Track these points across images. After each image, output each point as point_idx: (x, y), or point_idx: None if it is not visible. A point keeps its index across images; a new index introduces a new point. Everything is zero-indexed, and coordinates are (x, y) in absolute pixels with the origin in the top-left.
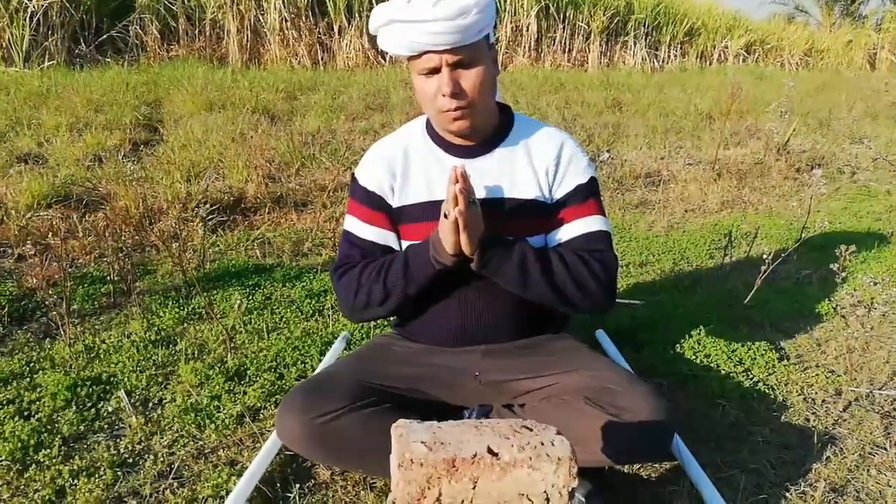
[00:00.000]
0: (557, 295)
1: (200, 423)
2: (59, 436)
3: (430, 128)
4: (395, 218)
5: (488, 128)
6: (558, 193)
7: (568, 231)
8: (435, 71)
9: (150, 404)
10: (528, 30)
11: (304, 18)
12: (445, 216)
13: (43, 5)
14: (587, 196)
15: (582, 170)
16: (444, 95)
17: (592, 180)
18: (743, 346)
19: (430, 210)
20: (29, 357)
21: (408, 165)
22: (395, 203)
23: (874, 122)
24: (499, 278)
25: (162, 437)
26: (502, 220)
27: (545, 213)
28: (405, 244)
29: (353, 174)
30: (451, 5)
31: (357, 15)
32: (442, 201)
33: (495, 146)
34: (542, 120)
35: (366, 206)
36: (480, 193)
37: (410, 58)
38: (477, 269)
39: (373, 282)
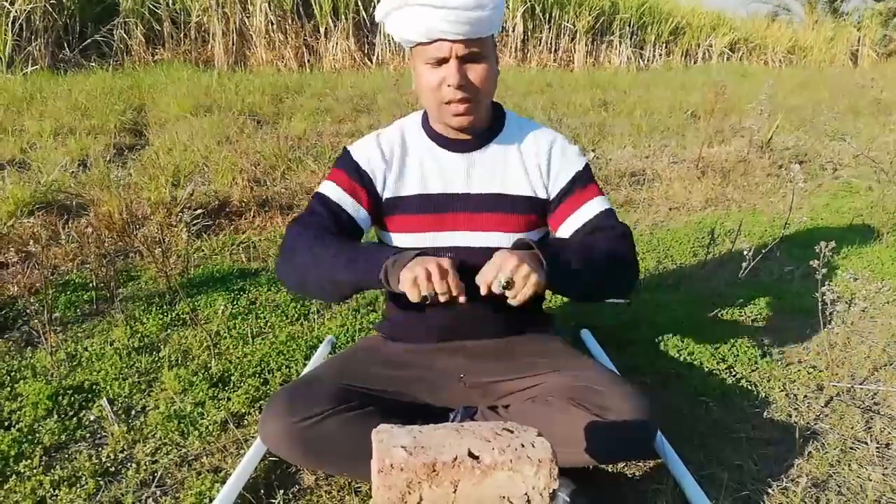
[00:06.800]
0: (614, 277)
1: (184, 431)
2: (40, 445)
3: (426, 122)
4: (379, 206)
5: (483, 124)
6: (556, 186)
7: (581, 216)
8: (443, 61)
9: (133, 412)
10: (514, 30)
11: (290, 21)
12: (427, 298)
13: (26, 10)
14: (587, 181)
15: (575, 159)
16: (449, 86)
17: (587, 166)
18: (726, 343)
19: (422, 203)
20: (10, 366)
21: (403, 157)
22: (386, 193)
23: (856, 119)
24: (563, 278)
25: (145, 445)
26: (496, 214)
27: (539, 208)
28: (393, 236)
29: (345, 147)
30: None
31: (343, 17)
32: (435, 195)
33: (488, 142)
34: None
35: (350, 179)
36: (474, 188)
37: (419, 45)
38: (549, 278)
39: (317, 246)
